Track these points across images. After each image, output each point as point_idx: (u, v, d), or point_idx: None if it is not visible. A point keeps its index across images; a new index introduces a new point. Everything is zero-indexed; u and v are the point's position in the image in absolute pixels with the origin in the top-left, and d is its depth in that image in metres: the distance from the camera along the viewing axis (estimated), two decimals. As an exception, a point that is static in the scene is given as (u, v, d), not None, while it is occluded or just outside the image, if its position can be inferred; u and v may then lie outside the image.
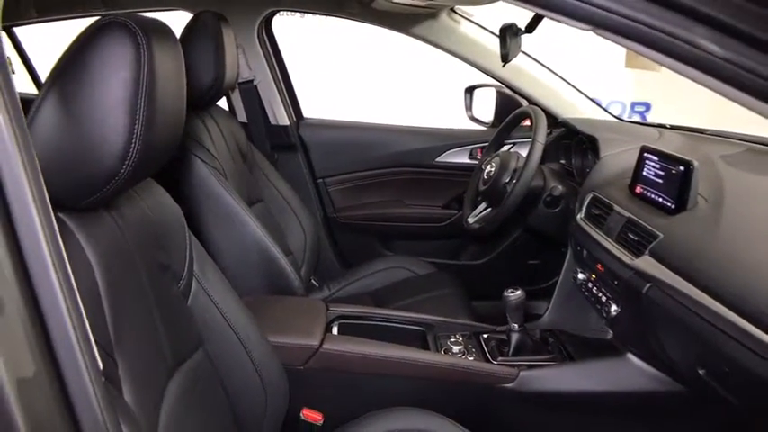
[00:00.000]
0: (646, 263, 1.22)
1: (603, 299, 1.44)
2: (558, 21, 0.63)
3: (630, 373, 1.40)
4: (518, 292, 1.49)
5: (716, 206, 1.22)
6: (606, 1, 0.54)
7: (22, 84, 2.34)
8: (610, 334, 1.52)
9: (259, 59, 2.28)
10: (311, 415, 1.36)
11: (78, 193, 0.78)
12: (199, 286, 1.09)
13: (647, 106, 4.57)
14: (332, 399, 1.43)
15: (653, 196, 1.35)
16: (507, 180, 1.79)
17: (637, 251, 1.27)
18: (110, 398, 0.58)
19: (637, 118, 4.43)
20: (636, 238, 1.30)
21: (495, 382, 1.45)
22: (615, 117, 2.22)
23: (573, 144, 2.07)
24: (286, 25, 2.52)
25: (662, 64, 0.56)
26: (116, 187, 0.80)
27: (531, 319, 1.73)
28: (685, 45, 0.52)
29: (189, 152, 1.62)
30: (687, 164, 1.24)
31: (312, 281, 2.13)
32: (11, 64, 0.59)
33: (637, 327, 1.32)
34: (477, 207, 1.94)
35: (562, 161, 2.14)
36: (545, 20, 1.44)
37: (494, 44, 1.94)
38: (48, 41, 2.15)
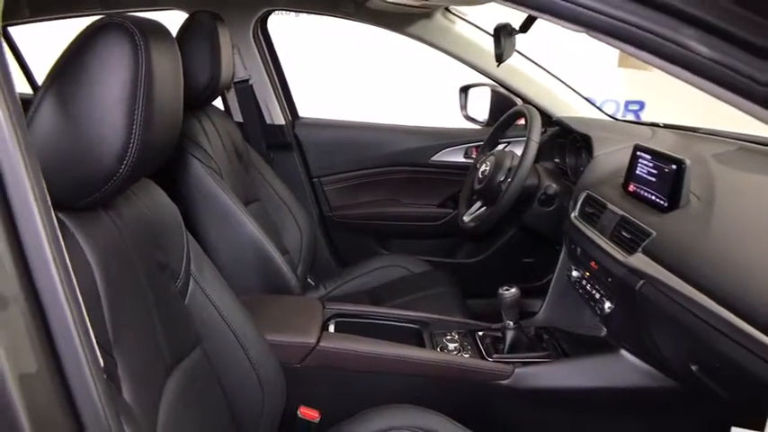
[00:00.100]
0: (639, 260, 1.23)
1: (597, 296, 1.45)
2: (551, 22, 0.64)
3: (624, 369, 1.41)
4: (513, 290, 1.50)
5: (708, 204, 1.23)
6: (597, 3, 0.55)
7: (17, 84, 2.33)
8: (603, 331, 1.53)
9: (254, 59, 2.28)
10: (308, 413, 1.36)
11: (77, 192, 0.79)
12: (196, 285, 1.10)
13: (641, 105, 4.59)
14: (329, 396, 1.44)
15: (646, 194, 1.36)
16: (502, 179, 1.80)
17: (630, 249, 1.29)
18: (111, 394, 0.58)
19: (631, 116, 4.46)
20: (629, 236, 1.31)
21: (490, 378, 1.46)
22: (609, 116, 2.24)
23: (567, 143, 2.08)
24: (281, 24, 2.52)
25: (652, 64, 0.57)
26: (114, 187, 0.80)
27: (526, 316, 1.74)
28: (674, 46, 0.53)
29: (185, 152, 1.63)
30: (679, 162, 1.26)
31: (308, 280, 2.14)
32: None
33: (630, 323, 1.33)
34: (472, 206, 1.95)
35: (556, 160, 2.15)
36: (539, 20, 1.45)
37: (488, 43, 1.95)
38: (42, 41, 2.16)
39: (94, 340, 0.57)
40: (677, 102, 2.09)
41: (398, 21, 2.16)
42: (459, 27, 2.18)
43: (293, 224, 2.10)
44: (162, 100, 0.81)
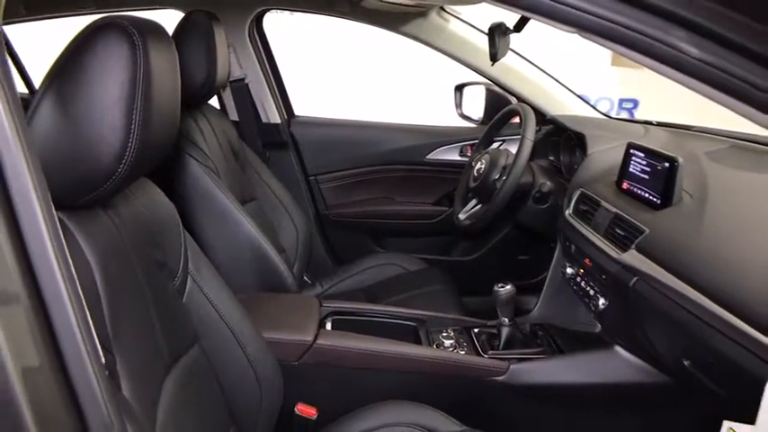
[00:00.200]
0: (632, 257, 1.24)
1: (591, 293, 1.47)
2: (542, 22, 0.65)
3: (618, 365, 1.43)
4: (508, 287, 1.51)
5: (700, 201, 1.24)
6: (586, 3, 0.56)
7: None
8: (598, 327, 1.55)
9: (250, 58, 2.28)
10: (306, 410, 1.37)
11: (76, 191, 0.79)
12: (194, 283, 1.10)
13: (635, 103, 4.61)
14: (326, 393, 1.45)
15: (639, 192, 1.37)
16: (497, 177, 1.81)
17: (624, 246, 1.30)
18: (112, 390, 0.59)
19: (625, 114, 4.48)
20: (623, 233, 1.33)
21: (486, 375, 1.47)
22: (602, 114, 2.25)
23: (561, 141, 2.09)
24: (276, 23, 2.53)
25: (643, 64, 0.58)
26: (113, 186, 0.81)
27: (521, 313, 1.75)
28: (663, 46, 0.54)
29: (182, 151, 1.63)
30: (672, 160, 1.27)
31: (304, 278, 2.14)
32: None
33: (624, 320, 1.34)
34: (467, 204, 1.96)
35: (551, 158, 2.17)
36: (532, 20, 1.46)
37: (483, 42, 1.96)
38: (38, 42, 2.16)
39: (96, 337, 0.58)
40: (671, 100, 2.10)
41: (393, 20, 2.17)
42: (454, 26, 2.19)
43: (289, 222, 2.10)
44: (160, 100, 0.82)
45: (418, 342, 1.58)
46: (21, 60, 2.24)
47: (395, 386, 1.46)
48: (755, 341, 0.88)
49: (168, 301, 1.02)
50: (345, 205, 2.47)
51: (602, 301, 1.41)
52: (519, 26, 1.59)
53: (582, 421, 1.51)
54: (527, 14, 0.66)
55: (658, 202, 1.30)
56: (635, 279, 1.21)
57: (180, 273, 1.08)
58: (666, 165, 1.28)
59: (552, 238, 1.81)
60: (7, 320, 0.51)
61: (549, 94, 2.21)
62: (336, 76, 4.47)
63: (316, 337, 1.45)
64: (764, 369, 0.83)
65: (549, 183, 1.85)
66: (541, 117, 2.16)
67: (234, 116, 2.32)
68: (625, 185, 1.43)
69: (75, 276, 0.58)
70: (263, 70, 2.32)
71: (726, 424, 0.88)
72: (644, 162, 1.36)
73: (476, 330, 1.64)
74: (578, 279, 1.55)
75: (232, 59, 2.19)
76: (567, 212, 1.62)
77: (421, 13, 2.14)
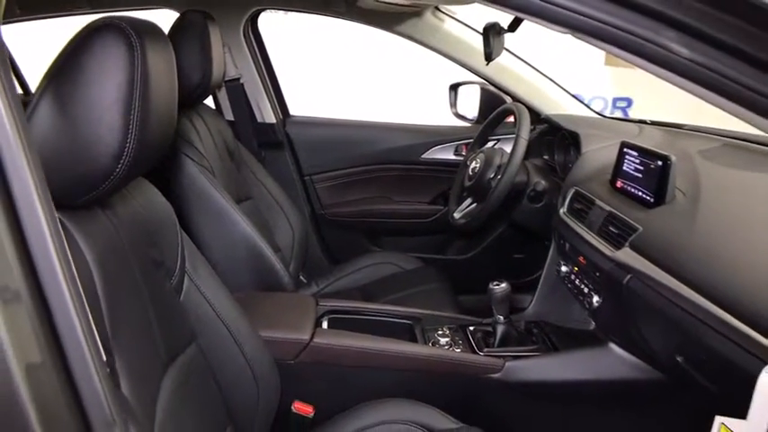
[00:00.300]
0: (626, 255, 1.25)
1: (586, 290, 1.47)
2: (534, 22, 0.66)
3: (612, 362, 1.43)
4: (503, 285, 1.52)
5: (693, 200, 1.25)
6: (577, 4, 0.57)
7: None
8: (592, 324, 1.56)
9: (245, 58, 2.29)
10: (302, 408, 1.38)
11: (74, 191, 0.80)
12: (191, 282, 1.11)
13: (629, 102, 4.63)
14: (322, 392, 1.45)
15: (633, 190, 1.38)
16: (492, 176, 1.82)
17: (617, 244, 1.31)
18: (113, 388, 0.60)
19: (619, 113, 4.49)
20: (616, 231, 1.34)
21: (481, 372, 1.48)
22: (597, 113, 2.26)
23: (556, 140, 2.10)
24: (271, 23, 2.53)
25: (635, 64, 0.59)
26: (111, 186, 0.81)
27: (516, 311, 1.76)
28: (654, 47, 0.55)
29: (178, 151, 1.64)
30: (665, 159, 1.28)
31: (300, 277, 2.15)
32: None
33: (618, 317, 1.35)
34: (462, 203, 1.97)
35: (545, 157, 2.17)
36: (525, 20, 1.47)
37: (478, 42, 1.96)
38: (28, 42, 2.15)
39: (97, 335, 0.58)
40: (664, 99, 2.12)
41: (388, 19, 2.18)
42: (449, 26, 2.20)
43: (285, 222, 2.11)
44: (157, 100, 0.83)
45: (414, 340, 1.59)
46: (15, 61, 2.24)
47: (391, 384, 1.47)
48: (747, 337, 0.89)
49: (166, 300, 1.02)
50: (341, 204, 2.47)
51: (596, 298, 1.42)
52: (513, 26, 1.60)
53: (576, 418, 1.52)
54: (518, 14, 0.68)
55: (652, 200, 1.31)
56: (629, 277, 1.22)
57: (177, 272, 1.08)
58: (660, 163, 1.29)
59: (547, 236, 1.82)
60: (9, 318, 0.51)
61: (544, 94, 2.22)
62: (331, 76, 4.47)
63: (312, 336, 1.46)
64: (756, 365, 0.84)
65: (543, 182, 1.85)
66: (536, 116, 2.17)
67: (229, 116, 2.32)
68: (619, 184, 1.44)
69: (77, 275, 0.58)
70: (258, 70, 2.33)
71: (718, 419, 0.89)
72: (637, 161, 1.37)
73: (471, 328, 1.64)
74: (573, 277, 1.56)
75: (227, 59, 2.19)
76: (561, 211, 1.63)
77: (416, 12, 2.14)
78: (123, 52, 0.77)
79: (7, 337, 0.51)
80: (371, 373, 1.47)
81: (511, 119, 1.91)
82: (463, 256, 2.45)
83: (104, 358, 0.59)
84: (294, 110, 2.52)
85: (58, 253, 0.55)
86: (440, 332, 1.60)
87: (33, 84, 2.28)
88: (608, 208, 1.41)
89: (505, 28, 1.62)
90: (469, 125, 2.42)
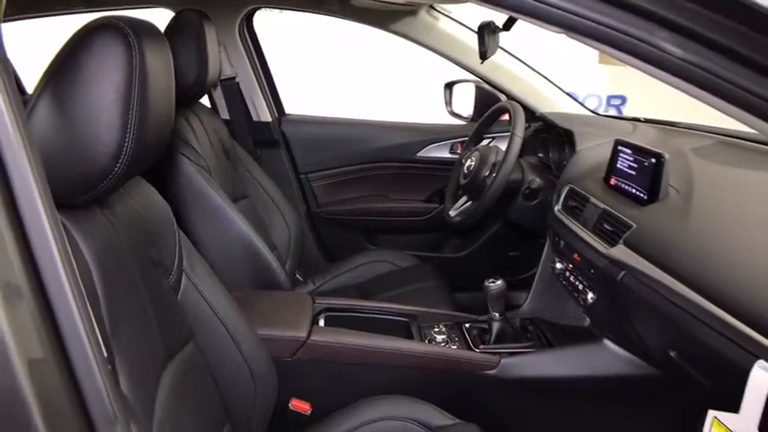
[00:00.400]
0: (620, 252, 1.26)
1: (580, 287, 1.48)
2: (528, 22, 0.66)
3: (607, 358, 1.45)
4: (499, 282, 1.53)
5: (686, 197, 1.26)
6: (570, 4, 0.58)
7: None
8: (587, 321, 1.57)
9: (240, 56, 2.29)
10: (300, 405, 1.39)
11: (73, 190, 0.80)
12: (188, 281, 1.11)
13: (623, 99, 4.65)
14: (320, 389, 1.46)
15: (627, 188, 1.39)
16: (487, 174, 1.82)
17: (612, 241, 1.32)
18: (114, 384, 0.60)
19: (613, 111, 4.52)
20: (611, 229, 1.35)
21: (477, 369, 1.49)
22: (591, 111, 2.27)
23: (550, 138, 2.11)
24: (266, 21, 2.53)
25: (629, 64, 0.60)
26: (110, 185, 0.82)
27: (512, 308, 1.77)
28: (647, 46, 0.56)
29: (174, 150, 1.64)
30: (658, 156, 1.29)
31: (297, 275, 2.15)
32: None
33: (612, 313, 1.36)
34: (458, 200, 1.98)
35: (540, 154, 2.18)
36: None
37: (472, 40, 1.97)
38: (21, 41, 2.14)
39: (99, 333, 0.59)
40: (658, 96, 2.13)
41: (383, 18, 2.18)
42: (444, 24, 2.20)
43: (281, 220, 2.11)
44: (155, 100, 0.83)
45: (410, 337, 1.60)
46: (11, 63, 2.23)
47: (388, 381, 1.48)
48: (739, 333, 0.90)
49: (164, 298, 1.03)
50: (337, 203, 2.48)
51: (590, 295, 1.43)
52: (508, 25, 1.60)
53: (572, 413, 1.53)
54: (511, 14, 0.68)
55: (645, 197, 1.32)
56: (623, 273, 1.23)
57: (175, 270, 1.09)
58: (653, 161, 1.30)
59: (542, 233, 1.83)
60: (12, 315, 0.52)
61: (538, 92, 2.23)
62: (327, 75, 4.47)
63: (309, 334, 1.46)
64: (748, 359, 0.85)
65: (538, 179, 1.86)
66: (530, 114, 2.18)
67: (225, 115, 2.32)
68: (613, 181, 1.45)
69: (78, 273, 0.59)
70: (253, 69, 2.33)
71: (711, 413, 0.90)
72: (631, 158, 1.38)
73: (467, 325, 1.65)
74: (567, 274, 1.57)
75: (222, 58, 2.20)
76: (556, 208, 1.64)
77: (411, 11, 2.15)
78: (122, 52, 0.78)
79: (10, 333, 0.51)
80: (368, 371, 1.48)
81: (506, 117, 1.92)
82: (459, 253, 2.46)
83: (106, 355, 0.59)
84: (290, 108, 2.52)
85: (60, 249, 0.55)
86: (436, 329, 1.61)
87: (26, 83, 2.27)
88: (602, 205, 1.42)
89: (500, 27, 1.63)
90: (464, 123, 2.43)
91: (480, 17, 1.68)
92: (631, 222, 1.28)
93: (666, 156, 1.28)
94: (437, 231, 2.47)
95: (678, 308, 1.04)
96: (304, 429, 1.36)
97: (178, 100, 1.67)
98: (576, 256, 1.47)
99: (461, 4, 1.72)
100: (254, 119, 2.36)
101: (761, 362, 0.83)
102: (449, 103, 2.41)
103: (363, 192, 2.50)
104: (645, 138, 1.74)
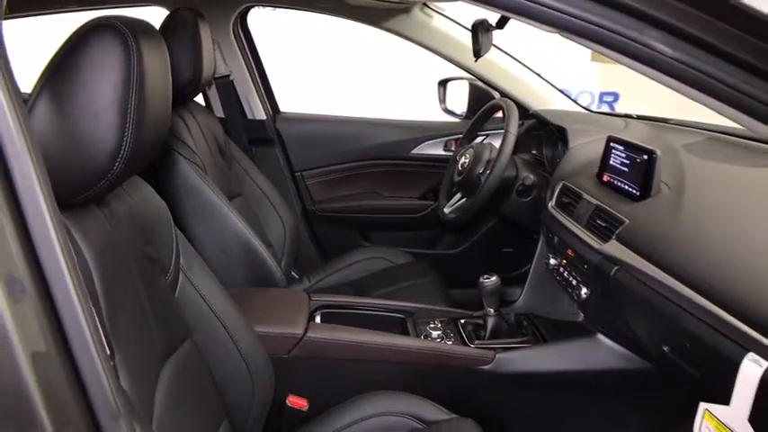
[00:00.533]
0: (613, 247, 1.27)
1: (574, 282, 1.49)
2: (521, 21, 0.67)
3: (601, 352, 1.46)
4: (493, 278, 1.54)
5: (678, 193, 1.27)
6: (561, 3, 0.59)
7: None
8: (581, 316, 1.58)
9: (235, 55, 2.29)
10: (297, 401, 1.40)
11: (72, 190, 0.81)
12: (186, 279, 1.12)
13: (616, 96, 4.67)
14: (316, 385, 1.47)
15: (619, 184, 1.40)
16: (481, 171, 1.83)
17: (605, 236, 1.33)
18: (117, 381, 0.61)
19: (605, 107, 4.53)
20: (604, 224, 1.36)
21: (472, 364, 1.50)
22: (584, 108, 2.28)
23: (543, 135, 2.11)
24: (260, 19, 2.53)
25: (621, 63, 0.61)
26: (108, 184, 0.82)
27: (506, 304, 1.78)
28: (639, 45, 0.57)
29: (170, 148, 1.64)
30: (650, 153, 1.30)
31: (292, 273, 2.16)
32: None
33: (606, 308, 1.37)
34: (452, 197, 1.99)
35: (533, 151, 2.19)
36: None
37: (466, 38, 1.98)
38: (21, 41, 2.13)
39: (101, 329, 0.59)
40: (650, 93, 2.14)
41: (376, 16, 2.18)
42: (438, 22, 2.21)
43: (276, 218, 2.12)
44: (153, 99, 0.84)
45: (406, 333, 1.61)
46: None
47: (384, 377, 1.49)
48: (730, 326, 0.91)
49: (161, 296, 1.03)
50: (331, 200, 2.49)
51: (584, 290, 1.44)
52: (501, 23, 1.61)
53: (566, 407, 1.54)
54: (504, 13, 0.69)
55: (638, 193, 1.32)
56: (616, 269, 1.24)
57: (172, 268, 1.09)
58: (645, 157, 1.31)
59: (536, 230, 1.84)
60: (15, 311, 0.52)
61: (532, 89, 2.24)
62: (321, 73, 4.47)
63: (306, 331, 1.47)
64: (738, 352, 0.87)
65: (532, 176, 1.87)
66: (524, 111, 2.18)
67: (219, 113, 2.33)
68: (606, 178, 1.46)
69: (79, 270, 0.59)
70: (247, 67, 2.33)
71: (702, 405, 0.92)
72: (624, 155, 1.39)
73: (462, 321, 1.66)
74: (561, 270, 1.58)
75: (217, 56, 2.20)
76: (549, 205, 1.65)
77: (404, 9, 2.15)
78: (119, 52, 0.78)
79: (13, 327, 0.52)
80: (365, 367, 1.49)
81: (499, 114, 1.93)
82: (453, 250, 2.47)
83: (108, 351, 0.60)
84: (284, 106, 2.53)
85: (61, 244, 0.56)
86: (431, 325, 1.62)
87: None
88: (595, 201, 1.43)
89: (494, 25, 1.64)
90: (458, 121, 2.44)
91: (474, 15, 1.69)
92: (624, 218, 1.29)
93: (658, 152, 1.29)
94: (432, 228, 2.48)
95: (670, 302, 1.05)
96: (301, 426, 1.37)
97: (173, 98, 1.68)
98: (569, 251, 1.48)
99: (455, 2, 1.73)
100: (249, 117, 2.37)
101: (751, 354, 0.84)
102: (443, 100, 2.42)
103: (358, 189, 2.50)
104: (637, 134, 1.75)
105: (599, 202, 1.42)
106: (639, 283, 1.14)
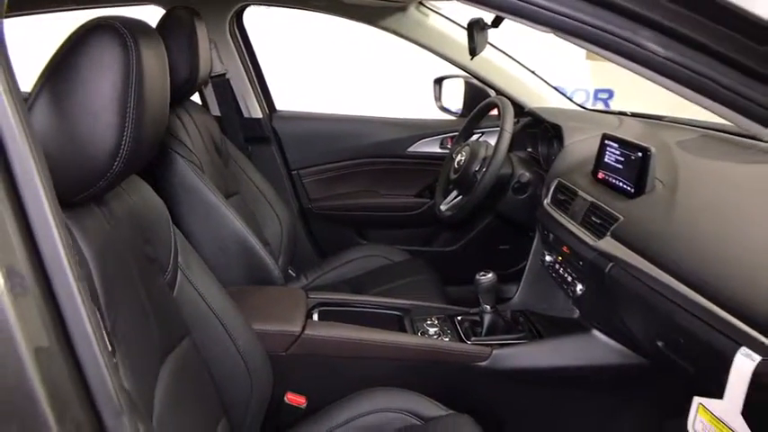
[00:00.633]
0: (608, 244, 1.28)
1: (569, 279, 1.50)
2: (515, 21, 0.68)
3: (596, 348, 1.47)
4: (489, 276, 1.55)
5: (672, 189, 1.28)
6: (555, 4, 0.60)
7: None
8: (576, 312, 1.59)
9: (231, 53, 2.29)
10: (295, 399, 1.40)
11: (71, 189, 0.81)
12: (184, 278, 1.13)
13: (611, 93, 4.68)
14: (314, 382, 1.47)
15: (614, 181, 1.41)
16: (477, 168, 1.84)
17: (600, 233, 1.34)
18: (119, 378, 0.62)
19: (600, 105, 4.54)
20: (599, 221, 1.37)
21: (469, 360, 1.51)
22: (579, 105, 2.29)
23: (539, 132, 2.12)
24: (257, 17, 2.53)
25: (615, 63, 0.62)
26: (107, 183, 0.83)
27: (503, 301, 1.79)
28: (632, 45, 0.58)
29: (167, 147, 1.64)
30: (645, 150, 1.31)
31: (289, 271, 2.16)
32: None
33: (601, 304, 1.38)
34: (448, 195, 2.00)
35: (529, 149, 2.20)
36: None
37: (462, 36, 1.99)
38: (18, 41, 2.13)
39: (103, 326, 0.60)
40: (645, 90, 2.15)
41: (372, 14, 2.19)
42: (433, 21, 2.21)
43: (273, 216, 2.12)
44: (152, 98, 0.84)
45: (403, 331, 1.62)
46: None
47: (382, 374, 1.49)
48: (723, 321, 0.92)
49: (160, 295, 1.04)
50: (328, 198, 2.49)
51: (579, 287, 1.45)
52: (497, 22, 1.62)
53: (562, 402, 1.55)
54: (498, 13, 0.70)
55: (632, 190, 1.34)
56: (610, 265, 1.25)
57: (170, 267, 1.10)
58: (639, 155, 1.32)
59: (531, 227, 1.85)
60: (18, 307, 0.53)
61: (527, 87, 2.25)
62: (318, 71, 4.46)
63: (303, 328, 1.48)
64: (731, 347, 0.88)
65: (527, 173, 1.88)
66: (519, 109, 2.20)
67: (216, 112, 2.33)
68: (600, 175, 1.47)
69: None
70: (244, 65, 2.33)
71: (696, 399, 0.93)
72: (618, 152, 1.40)
73: (459, 318, 1.67)
74: (557, 266, 1.59)
75: (213, 55, 2.20)
76: (545, 202, 1.66)
77: (400, 7, 2.16)
78: (118, 52, 0.79)
79: (16, 323, 0.52)
80: (362, 364, 1.49)
81: (495, 112, 1.94)
82: (450, 247, 2.48)
83: (110, 348, 0.61)
84: (280, 105, 2.53)
85: (63, 240, 0.57)
86: (428, 322, 1.63)
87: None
88: (590, 198, 1.44)
89: (489, 23, 1.64)
90: (454, 118, 2.44)
91: (469, 14, 1.70)
92: (619, 215, 1.30)
93: (653, 149, 1.30)
94: (428, 226, 2.48)
95: (664, 298, 1.06)
96: (299, 423, 1.37)
97: (171, 97, 1.69)
98: (565, 248, 1.49)
99: (450, 1, 1.73)
100: (245, 115, 2.37)
101: (743, 349, 0.85)
102: (438, 98, 2.43)
103: (355, 187, 2.51)
104: (631, 132, 1.76)
105: (594, 199, 1.43)
106: (634, 280, 1.15)
